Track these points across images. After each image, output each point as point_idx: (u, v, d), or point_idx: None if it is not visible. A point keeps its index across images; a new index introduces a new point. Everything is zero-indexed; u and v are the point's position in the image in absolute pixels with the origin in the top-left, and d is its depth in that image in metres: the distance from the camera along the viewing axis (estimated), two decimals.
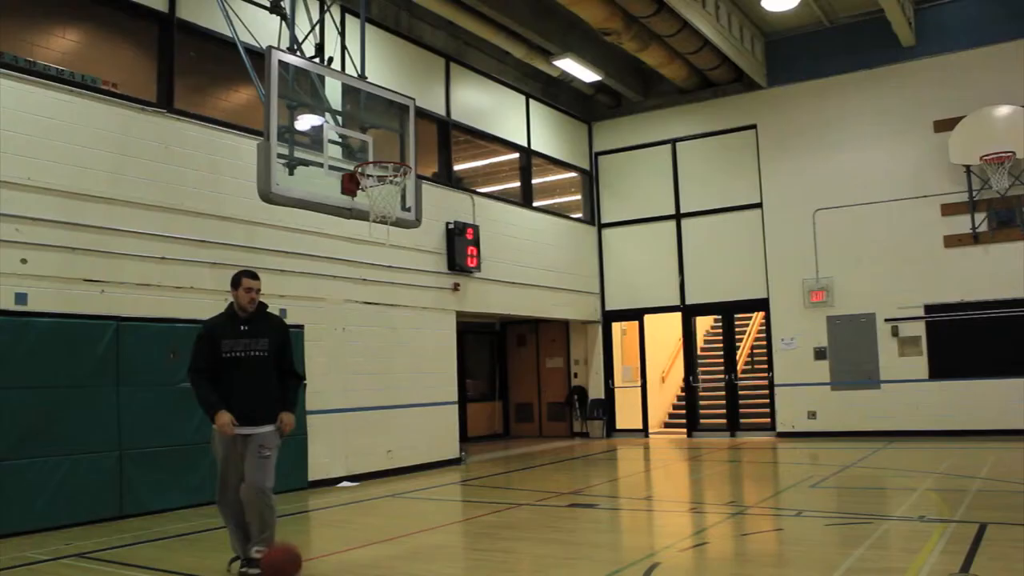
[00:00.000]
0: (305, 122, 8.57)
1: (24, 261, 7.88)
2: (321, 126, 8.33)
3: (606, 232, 17.69)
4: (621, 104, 17.47)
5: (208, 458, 9.08)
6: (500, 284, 14.39)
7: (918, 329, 14.56)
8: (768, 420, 15.93)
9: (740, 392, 16.63)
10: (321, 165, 8.14)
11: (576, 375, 17.84)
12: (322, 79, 8.45)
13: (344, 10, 11.18)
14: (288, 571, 5.42)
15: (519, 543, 6.85)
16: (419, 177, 9.10)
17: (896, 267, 14.73)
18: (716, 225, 16.50)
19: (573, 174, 17.63)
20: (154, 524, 8.03)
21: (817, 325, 15.38)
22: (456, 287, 13.29)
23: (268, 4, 9.16)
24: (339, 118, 8.55)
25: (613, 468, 12.71)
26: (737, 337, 17.54)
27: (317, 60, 8.56)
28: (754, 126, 16.22)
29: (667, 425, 17.83)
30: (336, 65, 8.80)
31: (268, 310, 5.97)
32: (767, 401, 16.02)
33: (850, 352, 15.06)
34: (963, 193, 14.19)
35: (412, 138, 9.06)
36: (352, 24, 10.89)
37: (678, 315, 16.95)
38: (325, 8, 9.55)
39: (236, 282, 5.81)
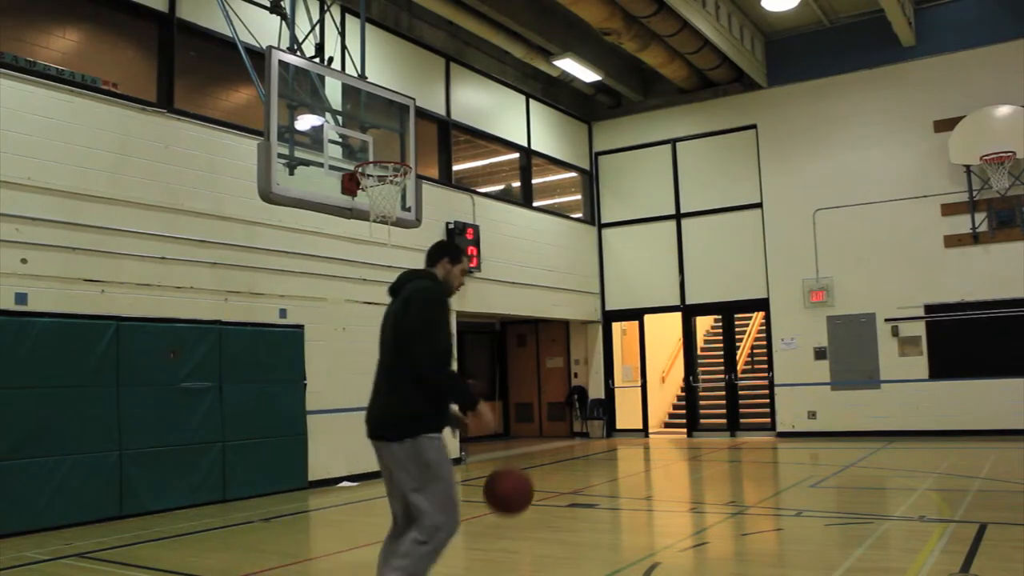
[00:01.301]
0: (305, 122, 8.58)
1: (24, 261, 7.88)
2: (321, 126, 8.34)
3: (606, 232, 17.69)
4: (621, 104, 17.46)
5: (208, 457, 9.17)
6: (500, 284, 14.38)
7: (918, 329, 14.55)
8: (768, 420, 15.93)
9: (740, 392, 16.62)
10: (321, 165, 8.15)
11: (576, 375, 17.84)
12: (322, 79, 8.46)
13: (344, 10, 11.18)
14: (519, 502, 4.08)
15: (519, 543, 6.85)
16: (419, 177, 9.10)
17: (896, 267, 14.72)
18: (716, 225, 16.49)
19: (573, 174, 17.63)
20: (154, 524, 8.03)
21: (817, 325, 15.37)
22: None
23: (268, 4, 9.17)
24: (339, 118, 8.56)
25: (613, 468, 12.71)
26: (737, 337, 17.53)
27: (317, 60, 8.57)
28: (754, 126, 16.21)
29: (667, 425, 17.82)
30: (336, 65, 8.80)
31: None
32: (767, 401, 16.02)
33: (850, 352, 15.06)
34: (963, 193, 14.19)
35: (412, 138, 9.07)
36: (352, 24, 10.89)
37: (678, 315, 16.95)
38: (325, 8, 9.55)
39: (456, 255, 4.25)
